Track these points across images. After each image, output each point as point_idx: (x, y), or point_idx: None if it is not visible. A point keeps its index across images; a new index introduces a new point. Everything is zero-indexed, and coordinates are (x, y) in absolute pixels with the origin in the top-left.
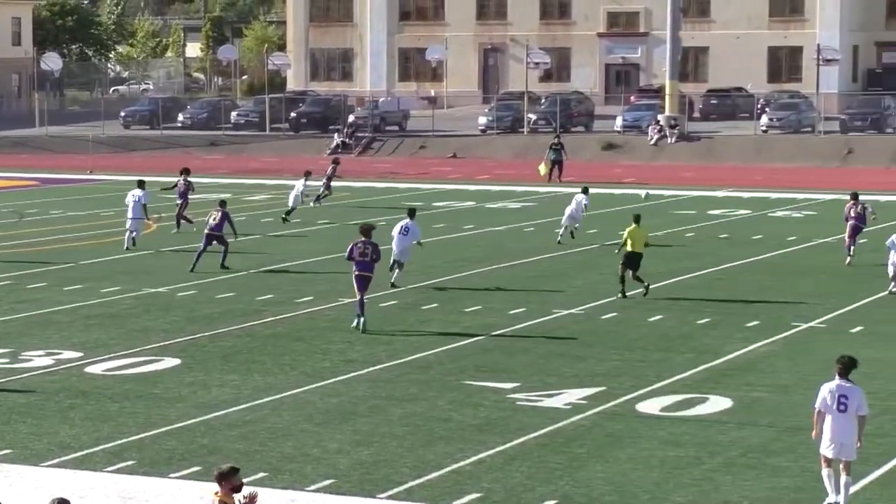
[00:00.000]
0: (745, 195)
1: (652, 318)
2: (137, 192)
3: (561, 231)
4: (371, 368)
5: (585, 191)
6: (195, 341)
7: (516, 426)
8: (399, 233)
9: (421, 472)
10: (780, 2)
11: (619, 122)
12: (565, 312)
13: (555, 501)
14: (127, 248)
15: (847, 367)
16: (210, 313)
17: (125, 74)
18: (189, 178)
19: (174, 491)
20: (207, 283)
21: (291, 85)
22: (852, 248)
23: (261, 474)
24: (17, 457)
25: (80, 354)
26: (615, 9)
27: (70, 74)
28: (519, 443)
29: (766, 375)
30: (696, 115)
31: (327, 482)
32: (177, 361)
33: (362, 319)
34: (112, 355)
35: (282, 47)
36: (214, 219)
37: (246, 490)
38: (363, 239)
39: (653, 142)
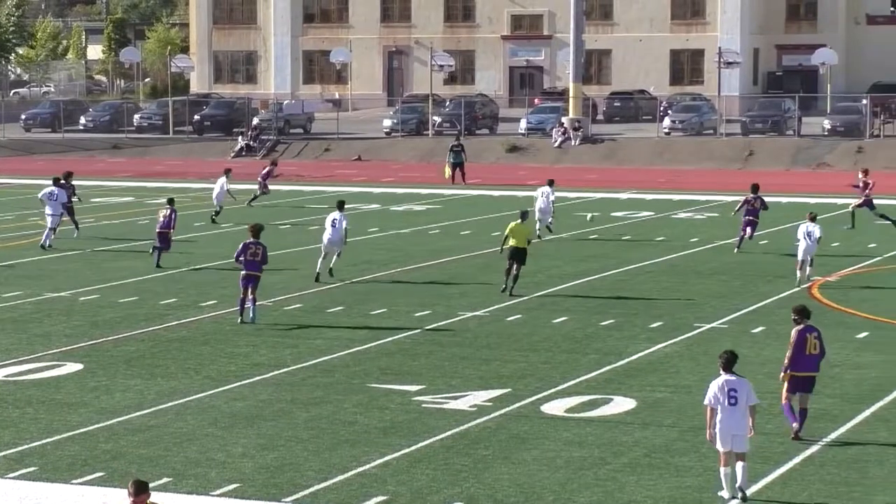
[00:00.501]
0: (648, 197)
1: (556, 320)
2: (53, 188)
3: (538, 227)
4: (276, 372)
5: (551, 183)
6: (98, 346)
7: (422, 428)
8: (330, 225)
9: (326, 475)
10: (681, 5)
11: (523, 124)
12: (470, 314)
13: (460, 503)
14: (42, 246)
15: (729, 361)
16: (113, 318)
17: (26, 77)
18: (72, 182)
19: (76, 497)
20: (110, 287)
21: (195, 87)
22: (744, 238)
23: (165, 479)
24: None
25: None
26: (519, 12)
27: None
28: (424, 445)
29: (669, 376)
30: (600, 117)
31: (232, 486)
32: (79, 366)
33: (251, 314)
34: (13, 361)
35: (185, 50)
36: (164, 216)
37: None
38: (253, 239)
39: (557, 144)
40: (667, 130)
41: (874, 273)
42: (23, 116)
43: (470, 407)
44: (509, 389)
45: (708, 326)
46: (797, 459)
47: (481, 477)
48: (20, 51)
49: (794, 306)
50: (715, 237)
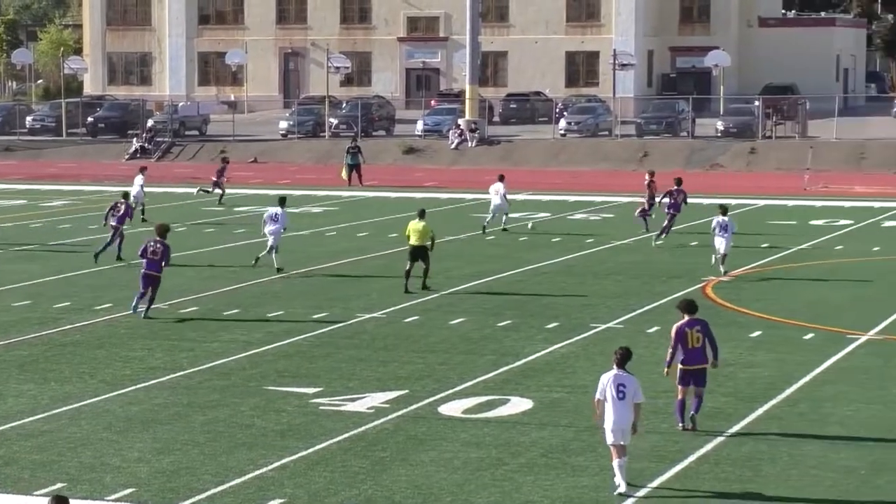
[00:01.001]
0: (545, 198)
1: (453, 321)
2: None
3: (489, 218)
4: (172, 375)
5: (501, 178)
6: None
7: (319, 431)
8: (270, 219)
9: (223, 479)
10: (576, 7)
11: (419, 126)
12: (367, 316)
13: None
14: None
15: (624, 357)
16: (6, 321)
17: None
18: None
19: None
20: (3, 290)
21: (89, 89)
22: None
23: (59, 484)
24: None
25: None
26: (415, 13)
27: None
28: (322, 447)
29: (565, 376)
30: (496, 119)
31: (128, 491)
32: None
33: (140, 310)
34: None
35: (78, 51)
36: (119, 211)
37: None
38: (157, 238)
39: (453, 146)
40: (562, 132)
41: (767, 272)
42: None
43: (367, 409)
44: (407, 391)
45: (604, 326)
46: (692, 458)
47: (379, 479)
48: None
49: (678, 302)
50: (611, 238)
